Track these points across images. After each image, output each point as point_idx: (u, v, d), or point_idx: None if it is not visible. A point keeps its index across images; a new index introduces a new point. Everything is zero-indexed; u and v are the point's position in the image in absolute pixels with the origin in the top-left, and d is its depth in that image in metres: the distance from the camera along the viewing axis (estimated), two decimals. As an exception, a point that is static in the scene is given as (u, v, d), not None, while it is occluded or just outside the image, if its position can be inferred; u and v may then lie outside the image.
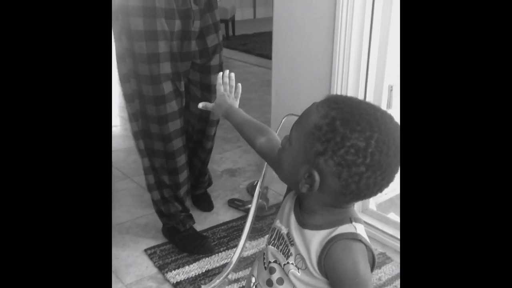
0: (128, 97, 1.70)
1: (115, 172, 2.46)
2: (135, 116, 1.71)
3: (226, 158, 2.65)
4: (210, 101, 1.81)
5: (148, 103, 1.65)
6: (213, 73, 1.76)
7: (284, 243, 0.81)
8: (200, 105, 1.14)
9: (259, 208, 1.92)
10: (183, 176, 1.80)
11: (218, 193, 2.26)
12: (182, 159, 1.77)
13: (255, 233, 1.87)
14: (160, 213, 1.88)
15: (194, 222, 1.89)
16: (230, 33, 5.77)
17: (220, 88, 1.08)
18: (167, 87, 1.63)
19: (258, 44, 5.27)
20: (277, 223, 0.84)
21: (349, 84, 1.81)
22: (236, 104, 1.08)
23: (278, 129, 1.05)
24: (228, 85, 1.08)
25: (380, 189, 0.72)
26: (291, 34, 2.03)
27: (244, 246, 1.41)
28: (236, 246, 1.56)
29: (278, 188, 2.15)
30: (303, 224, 0.79)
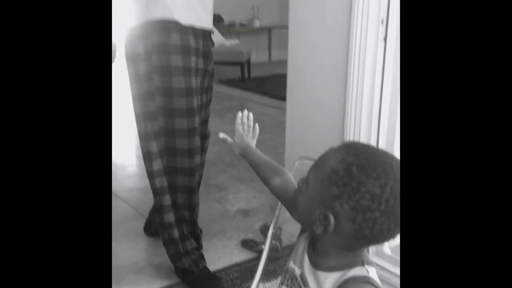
0: (152, 135, 1.73)
1: (130, 211, 2.49)
2: (160, 153, 1.74)
3: (240, 198, 2.66)
4: (205, 132, 1.92)
5: (179, 136, 1.71)
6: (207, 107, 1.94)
7: (297, 284, 0.82)
8: (221, 135, 1.17)
9: (272, 249, 1.91)
10: (198, 210, 1.85)
11: (232, 233, 2.26)
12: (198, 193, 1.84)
13: (268, 275, 1.86)
14: (174, 255, 1.86)
15: (205, 262, 1.89)
16: (246, 75, 5.89)
17: (238, 128, 1.12)
18: (198, 120, 1.74)
19: (273, 86, 5.36)
20: (291, 264, 0.85)
21: (362, 127, 1.83)
22: (254, 144, 1.11)
23: (293, 171, 1.07)
24: (246, 125, 1.12)
25: (393, 235, 0.74)
26: (305, 77, 2.08)
27: (257, 288, 1.40)
28: (249, 287, 1.55)
29: (291, 229, 2.15)
30: (316, 265, 0.80)
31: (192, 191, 1.79)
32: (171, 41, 1.64)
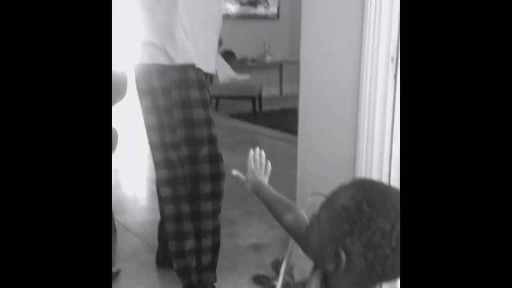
0: (173, 145, 1.79)
1: (141, 245, 2.48)
2: (185, 179, 1.80)
3: (251, 233, 2.64)
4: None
5: (201, 163, 1.79)
6: None
7: (310, 321, 0.81)
8: (234, 172, 1.19)
9: (285, 286, 1.89)
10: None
11: (243, 269, 2.24)
12: None
13: (280, 311, 1.83)
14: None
15: None
16: (257, 109, 5.94)
17: (251, 165, 1.13)
18: (218, 146, 1.85)
19: (284, 119, 5.40)
20: (304, 301, 0.84)
21: (374, 162, 1.84)
22: (266, 180, 1.12)
23: (305, 208, 1.07)
24: (258, 162, 1.13)
25: None
26: (316, 112, 2.09)
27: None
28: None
29: (303, 265, 2.12)
30: (329, 302, 0.79)
31: (216, 215, 1.89)
32: (189, 77, 1.74)
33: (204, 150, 1.79)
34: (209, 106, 1.84)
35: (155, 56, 1.70)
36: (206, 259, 1.88)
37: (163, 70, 1.71)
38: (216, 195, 1.85)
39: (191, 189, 1.80)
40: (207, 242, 1.85)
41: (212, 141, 1.81)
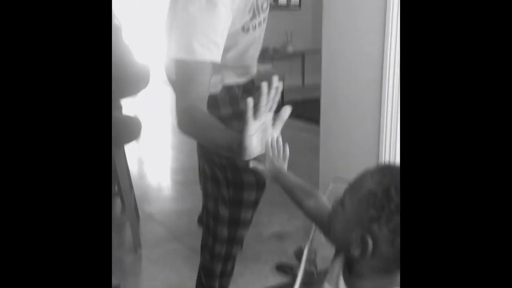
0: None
1: (165, 234, 2.52)
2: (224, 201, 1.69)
3: (274, 222, 2.66)
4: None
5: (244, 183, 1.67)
6: None
7: (333, 305, 0.81)
8: (251, 164, 1.11)
9: (307, 274, 1.90)
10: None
11: (266, 257, 2.26)
12: None
13: (303, 300, 1.85)
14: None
15: None
16: (280, 100, 5.92)
17: (269, 153, 1.11)
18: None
19: (307, 110, 5.38)
20: (326, 286, 0.85)
21: (397, 150, 1.82)
22: (285, 166, 1.10)
23: (327, 194, 1.07)
24: (276, 149, 1.11)
25: None
26: (338, 100, 2.09)
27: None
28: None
29: (326, 253, 2.13)
30: (352, 287, 0.79)
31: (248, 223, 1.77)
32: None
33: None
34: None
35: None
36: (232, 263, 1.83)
37: None
38: (256, 204, 1.75)
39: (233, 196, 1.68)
40: (237, 249, 1.79)
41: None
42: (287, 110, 1.02)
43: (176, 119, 1.23)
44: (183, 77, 1.27)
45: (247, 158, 1.02)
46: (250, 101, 0.94)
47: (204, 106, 1.23)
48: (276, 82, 0.97)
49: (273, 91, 0.98)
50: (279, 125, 1.04)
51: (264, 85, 0.94)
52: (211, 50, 1.25)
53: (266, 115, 1.00)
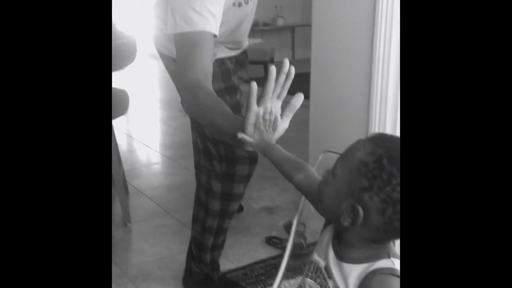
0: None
1: (156, 208, 2.52)
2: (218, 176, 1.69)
3: (264, 196, 2.67)
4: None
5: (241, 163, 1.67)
6: None
7: (322, 276, 0.82)
8: (239, 135, 0.99)
9: (296, 246, 1.91)
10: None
11: (256, 231, 2.28)
12: None
13: (292, 272, 1.86)
14: (199, 260, 1.83)
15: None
16: (269, 74, 5.89)
17: (259, 125, 1.06)
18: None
19: (297, 84, 5.35)
20: (315, 256, 0.85)
21: (387, 123, 1.82)
22: (273, 140, 1.07)
23: (316, 165, 1.07)
24: (267, 122, 1.06)
25: None
26: (328, 73, 2.07)
27: (280, 285, 1.40)
28: (272, 284, 1.56)
29: (315, 225, 2.15)
30: (341, 257, 0.80)
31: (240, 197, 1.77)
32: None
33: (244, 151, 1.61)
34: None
35: None
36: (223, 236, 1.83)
37: None
38: (248, 178, 1.74)
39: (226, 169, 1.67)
40: (229, 222, 1.79)
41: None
42: (299, 98, 0.88)
43: (180, 97, 1.17)
44: (185, 50, 1.21)
45: (247, 148, 0.94)
46: (254, 85, 0.82)
47: (209, 84, 1.16)
48: (287, 66, 0.85)
49: (282, 76, 0.85)
50: (289, 115, 0.91)
51: (273, 69, 0.83)
52: (210, 21, 1.21)
53: (274, 103, 0.88)
